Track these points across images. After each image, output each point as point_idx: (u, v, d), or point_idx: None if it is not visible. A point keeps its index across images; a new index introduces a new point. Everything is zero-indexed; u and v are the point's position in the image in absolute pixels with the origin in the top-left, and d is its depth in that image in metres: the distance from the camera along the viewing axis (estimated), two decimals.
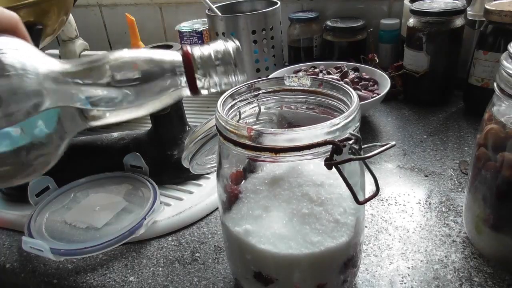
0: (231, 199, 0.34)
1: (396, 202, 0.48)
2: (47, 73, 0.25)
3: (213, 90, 0.29)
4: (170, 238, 0.46)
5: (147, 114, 0.29)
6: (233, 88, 0.33)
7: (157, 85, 0.27)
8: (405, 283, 0.38)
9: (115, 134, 0.57)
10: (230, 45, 0.29)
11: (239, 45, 0.29)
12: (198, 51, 0.28)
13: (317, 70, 0.71)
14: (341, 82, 0.35)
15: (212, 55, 0.28)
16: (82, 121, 0.27)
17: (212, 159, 0.40)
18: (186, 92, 0.29)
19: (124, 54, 0.27)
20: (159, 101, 0.28)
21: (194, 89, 0.28)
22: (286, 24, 0.85)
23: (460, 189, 0.49)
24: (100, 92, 0.26)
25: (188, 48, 0.28)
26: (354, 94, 0.31)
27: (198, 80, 0.28)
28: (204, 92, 0.29)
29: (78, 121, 0.27)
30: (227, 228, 0.34)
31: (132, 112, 0.28)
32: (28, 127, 0.25)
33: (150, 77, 0.27)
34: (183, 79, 0.28)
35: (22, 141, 0.25)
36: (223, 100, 0.32)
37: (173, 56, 0.28)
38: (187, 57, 0.28)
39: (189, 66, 0.28)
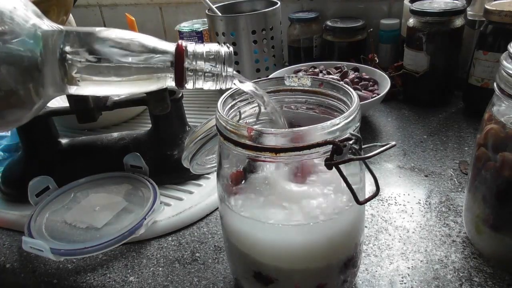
0: (231, 202, 0.34)
1: (396, 202, 0.48)
2: (38, 22, 0.26)
3: (197, 86, 0.30)
4: (170, 238, 0.46)
5: (126, 94, 0.30)
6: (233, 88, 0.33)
7: (143, 65, 0.28)
8: (405, 283, 0.38)
9: (115, 134, 0.57)
10: (223, 49, 0.30)
11: (232, 52, 0.30)
12: (192, 46, 0.29)
13: (317, 70, 0.71)
14: (341, 82, 0.35)
15: (204, 53, 0.29)
16: (61, 78, 0.27)
17: (212, 159, 0.40)
18: (171, 82, 0.29)
19: (118, 32, 0.28)
20: (141, 83, 0.29)
21: (180, 81, 0.29)
22: (286, 24, 0.85)
23: (460, 189, 0.49)
24: (85, 53, 0.27)
25: (183, 42, 0.29)
26: (354, 94, 0.31)
27: (186, 73, 0.29)
28: (188, 86, 0.30)
29: (57, 76, 0.27)
30: (227, 228, 0.34)
31: (110, 87, 0.28)
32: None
33: (138, 55, 0.28)
34: (171, 68, 0.29)
35: None
36: (223, 100, 0.32)
37: (168, 45, 0.29)
38: (180, 48, 0.29)
39: (180, 57, 0.29)
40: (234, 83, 0.31)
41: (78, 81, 0.27)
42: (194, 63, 0.29)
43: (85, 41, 0.27)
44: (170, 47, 0.29)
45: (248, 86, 0.32)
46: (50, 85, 0.27)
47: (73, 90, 0.28)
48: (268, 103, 0.33)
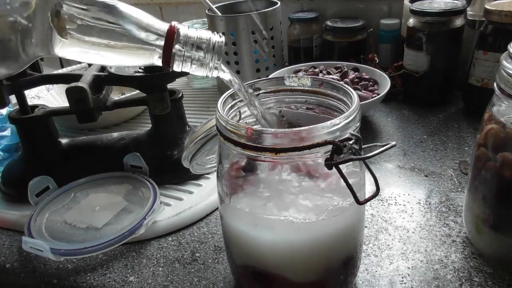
0: (231, 199, 0.34)
1: (396, 202, 0.48)
2: None
3: (184, 70, 0.30)
4: (170, 238, 0.46)
5: (110, 64, 0.30)
6: (231, 89, 0.33)
7: (135, 35, 0.29)
8: (405, 283, 0.38)
9: (115, 134, 0.57)
10: (216, 38, 0.30)
11: (223, 42, 0.31)
12: (184, 29, 0.30)
13: (317, 70, 0.71)
14: (341, 82, 0.35)
15: (196, 38, 0.30)
16: (50, 32, 0.27)
17: (212, 159, 0.40)
18: (158, 61, 0.30)
19: (120, 3, 0.29)
20: (128, 53, 0.29)
21: (167, 60, 0.30)
22: (286, 24, 0.85)
23: (460, 189, 0.49)
24: (81, 11, 0.28)
25: (177, 24, 0.30)
26: (354, 94, 0.31)
27: (174, 53, 0.30)
28: (175, 67, 0.30)
29: (46, 29, 0.27)
30: (227, 227, 0.34)
31: (97, 51, 0.29)
32: None
33: (132, 25, 0.29)
34: (161, 45, 0.29)
35: None
36: (223, 100, 0.32)
37: (163, 25, 0.30)
38: (172, 29, 0.29)
39: (171, 38, 0.29)
40: (219, 75, 0.32)
41: (68, 34, 0.28)
42: (183, 48, 0.30)
43: (85, 2, 0.27)
44: (164, 26, 0.30)
45: (228, 76, 0.33)
46: (38, 40, 0.27)
47: (58, 47, 0.28)
48: (250, 100, 0.34)
